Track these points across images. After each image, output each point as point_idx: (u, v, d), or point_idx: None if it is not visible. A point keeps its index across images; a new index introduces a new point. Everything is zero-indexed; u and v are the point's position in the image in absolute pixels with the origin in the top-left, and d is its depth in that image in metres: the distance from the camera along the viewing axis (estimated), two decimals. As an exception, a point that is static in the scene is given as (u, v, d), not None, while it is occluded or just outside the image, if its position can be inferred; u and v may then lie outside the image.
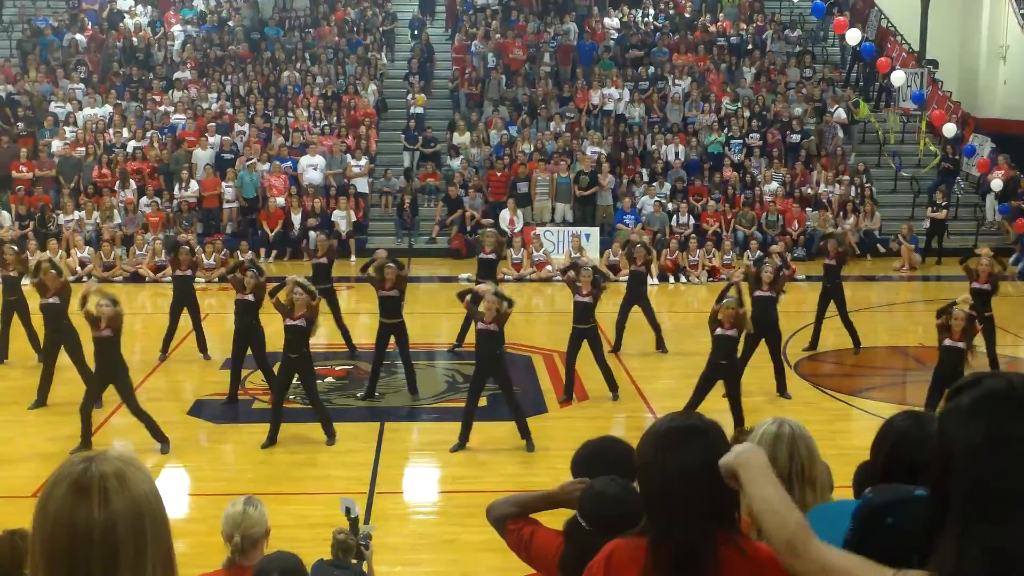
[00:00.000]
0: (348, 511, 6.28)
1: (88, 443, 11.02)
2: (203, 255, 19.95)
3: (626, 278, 16.24)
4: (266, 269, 16.71)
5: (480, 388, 11.59)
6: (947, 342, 11.58)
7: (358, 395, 13.42)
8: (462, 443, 11.47)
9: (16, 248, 15.31)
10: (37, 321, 14.36)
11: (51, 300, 12.71)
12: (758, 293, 13.26)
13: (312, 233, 22.46)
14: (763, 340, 13.14)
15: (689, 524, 2.76)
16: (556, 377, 14.18)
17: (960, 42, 29.01)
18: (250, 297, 12.74)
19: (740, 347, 12.21)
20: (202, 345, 14.98)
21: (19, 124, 24.42)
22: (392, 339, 13.17)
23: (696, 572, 2.76)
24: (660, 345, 15.40)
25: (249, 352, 12.98)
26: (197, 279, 16.23)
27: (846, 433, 11.91)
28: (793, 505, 2.42)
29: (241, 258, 20.34)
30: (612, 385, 13.24)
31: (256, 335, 12.83)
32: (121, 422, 12.02)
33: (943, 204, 23.20)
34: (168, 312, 14.99)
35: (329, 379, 13.96)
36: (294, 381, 11.86)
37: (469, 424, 11.51)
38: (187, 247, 15.42)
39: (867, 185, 24.19)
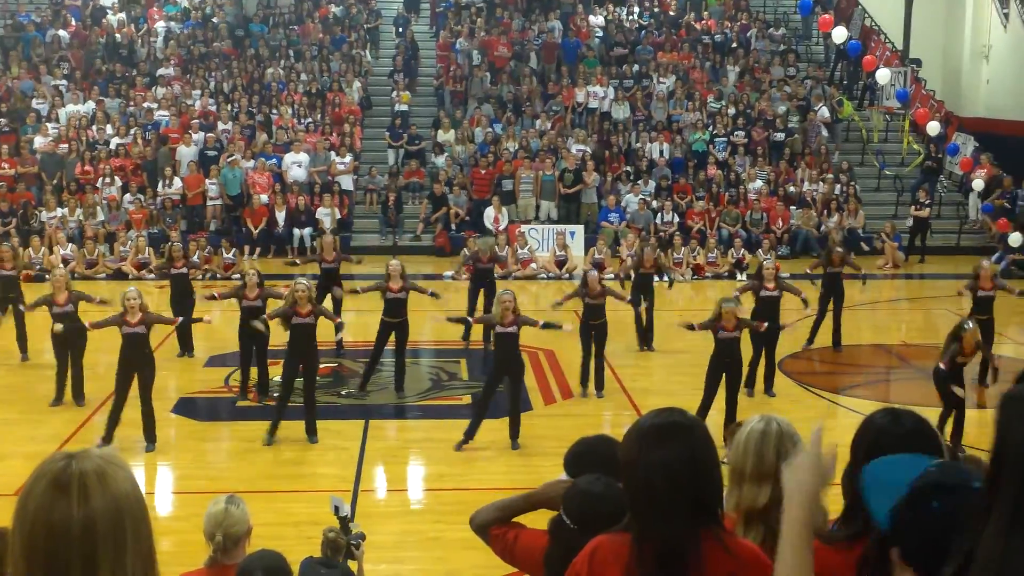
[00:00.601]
0: (337, 510, 6.25)
1: (110, 439, 11.06)
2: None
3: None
4: (251, 266, 16.63)
5: (495, 388, 11.56)
6: (959, 360, 11.34)
7: (342, 392, 13.43)
8: (467, 439, 11.37)
9: (11, 245, 15.21)
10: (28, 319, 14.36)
11: (66, 308, 12.66)
12: (764, 292, 13.37)
13: (296, 230, 22.54)
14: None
15: (672, 521, 2.75)
16: (541, 374, 14.17)
17: (944, 41, 29.13)
18: (257, 303, 12.83)
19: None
20: (189, 343, 14.92)
21: (1, 120, 24.28)
22: (392, 336, 13.31)
23: (679, 569, 2.75)
24: (647, 343, 15.48)
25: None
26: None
27: (831, 430, 11.54)
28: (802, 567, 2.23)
29: (226, 254, 20.41)
30: (599, 383, 13.32)
31: (263, 334, 12.86)
32: (104, 420, 11.93)
33: (926, 203, 23.31)
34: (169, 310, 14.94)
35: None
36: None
37: (478, 423, 11.42)
38: (178, 244, 15.38)
39: (851, 183, 24.27)
